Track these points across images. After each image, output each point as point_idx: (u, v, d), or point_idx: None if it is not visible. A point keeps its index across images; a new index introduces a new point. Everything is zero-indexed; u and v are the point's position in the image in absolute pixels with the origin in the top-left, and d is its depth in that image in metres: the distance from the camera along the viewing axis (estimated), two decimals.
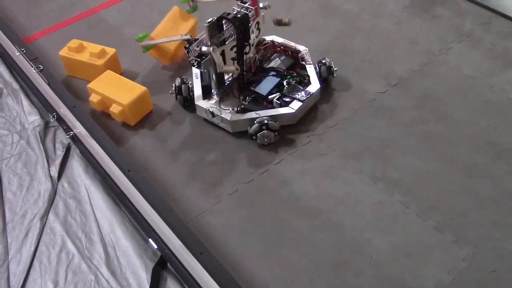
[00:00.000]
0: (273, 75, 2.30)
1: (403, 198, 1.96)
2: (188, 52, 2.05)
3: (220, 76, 2.18)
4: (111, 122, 2.32)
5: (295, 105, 2.16)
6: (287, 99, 2.20)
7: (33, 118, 2.34)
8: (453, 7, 2.82)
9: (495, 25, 2.70)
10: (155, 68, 2.58)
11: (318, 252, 1.81)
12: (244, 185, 2.04)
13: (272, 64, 2.36)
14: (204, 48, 2.00)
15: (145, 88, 2.30)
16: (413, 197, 1.96)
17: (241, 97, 2.24)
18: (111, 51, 2.49)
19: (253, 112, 2.15)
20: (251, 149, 2.17)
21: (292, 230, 1.88)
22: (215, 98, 2.25)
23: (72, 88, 2.48)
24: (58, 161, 2.16)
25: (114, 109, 2.24)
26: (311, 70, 2.30)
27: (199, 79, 2.31)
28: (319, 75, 2.32)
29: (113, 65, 2.48)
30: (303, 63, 2.35)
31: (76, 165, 2.15)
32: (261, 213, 1.94)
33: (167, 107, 2.38)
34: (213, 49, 1.98)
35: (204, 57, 2.03)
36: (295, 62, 2.39)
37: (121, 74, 2.48)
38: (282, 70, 2.34)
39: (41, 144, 2.23)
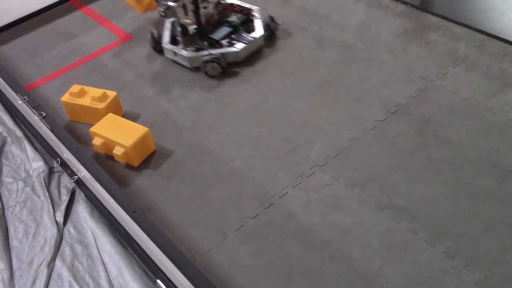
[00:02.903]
0: (227, 26, 2.87)
1: (411, 225, 1.95)
2: (157, 2, 2.58)
3: (183, 26, 2.72)
4: (115, 165, 2.33)
5: (239, 46, 2.75)
6: (234, 42, 2.77)
7: (37, 165, 2.36)
8: (446, 32, 2.86)
9: (489, 47, 2.73)
10: (156, 109, 2.61)
11: (329, 285, 1.79)
12: (250, 221, 2.04)
13: (229, 19, 2.91)
14: (170, 3, 2.55)
15: (147, 129, 2.32)
16: (420, 223, 1.95)
17: (202, 43, 2.78)
18: (112, 94, 2.52)
19: (205, 50, 2.72)
20: (253, 179, 2.17)
21: (301, 263, 1.86)
22: (181, 44, 2.79)
23: (75, 133, 2.50)
24: (63, 206, 2.16)
25: (117, 151, 2.26)
26: (257, 22, 2.89)
27: (169, 29, 2.88)
28: (266, 26, 2.88)
29: (115, 108, 2.51)
30: (253, 18, 2.91)
31: (81, 209, 2.15)
32: (269, 248, 1.93)
33: (170, 146, 2.40)
34: (177, 3, 2.54)
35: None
36: (248, 19, 2.94)
37: (122, 116, 2.50)
38: (235, 23, 2.87)
39: (46, 190, 2.23)
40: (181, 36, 2.76)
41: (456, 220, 1.94)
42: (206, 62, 2.69)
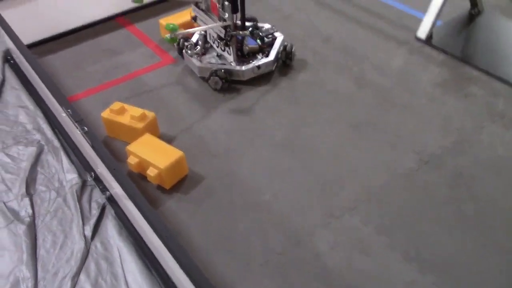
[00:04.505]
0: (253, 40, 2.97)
1: (437, 279, 1.92)
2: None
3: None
4: (146, 185, 2.36)
5: (244, 67, 2.87)
6: (246, 60, 2.95)
7: (71, 176, 2.40)
8: (485, 86, 2.86)
9: None
10: (192, 133, 2.65)
11: None
12: (275, 256, 2.04)
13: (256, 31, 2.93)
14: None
15: (182, 152, 2.36)
16: (447, 278, 1.92)
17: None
18: (150, 115, 2.57)
19: (210, 63, 2.93)
20: (281, 213, 2.18)
21: None
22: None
23: (110, 149, 2.55)
24: (92, 221, 2.19)
25: (151, 172, 2.29)
26: (274, 49, 3.00)
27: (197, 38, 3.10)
28: (279, 55, 3.01)
29: (152, 128, 2.56)
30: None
31: (110, 226, 2.18)
32: (292, 286, 1.92)
33: (202, 171, 2.43)
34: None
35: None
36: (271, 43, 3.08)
37: (159, 137, 2.55)
38: (258, 35, 2.89)
39: (77, 203, 2.27)
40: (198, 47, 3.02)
41: (484, 277, 1.91)
42: (210, 75, 2.85)
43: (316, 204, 2.24)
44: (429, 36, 3.20)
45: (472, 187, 2.28)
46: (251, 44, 2.95)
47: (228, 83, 2.87)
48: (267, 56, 2.98)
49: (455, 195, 2.25)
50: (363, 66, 3.05)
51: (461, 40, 3.22)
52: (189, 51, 2.99)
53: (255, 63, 2.91)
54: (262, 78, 2.97)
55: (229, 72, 2.87)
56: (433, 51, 3.13)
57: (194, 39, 3.10)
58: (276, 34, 3.10)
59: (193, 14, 2.99)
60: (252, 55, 2.98)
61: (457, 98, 2.79)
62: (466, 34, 3.28)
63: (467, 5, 3.41)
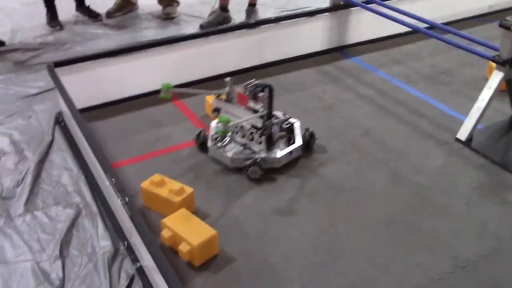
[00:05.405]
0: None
1: None
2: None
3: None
4: (176, 260, 2.37)
5: (279, 154, 2.96)
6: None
7: (104, 243, 2.44)
8: None
9: None
10: (226, 212, 2.67)
11: None
12: None
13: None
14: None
15: (215, 231, 2.38)
16: None
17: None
18: (188, 190, 2.62)
19: (246, 154, 2.95)
20: None
21: None
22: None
23: (145, 219, 2.58)
24: None
25: (183, 247, 2.31)
26: (298, 136, 3.10)
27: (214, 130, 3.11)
28: (303, 139, 3.09)
29: (189, 203, 2.60)
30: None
31: None
32: None
33: (232, 252, 2.42)
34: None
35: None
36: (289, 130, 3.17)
37: (193, 212, 2.58)
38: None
39: (107, 271, 2.29)
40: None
41: None
42: (250, 165, 2.86)
43: None
44: (469, 139, 3.22)
45: None
46: (272, 131, 3.01)
47: (265, 173, 2.90)
48: (288, 142, 3.08)
49: None
50: (400, 163, 3.07)
51: (501, 146, 3.23)
52: (218, 144, 3.01)
53: (288, 149, 2.98)
54: (292, 165, 3.02)
55: (263, 160, 2.91)
56: (473, 154, 3.14)
57: (212, 132, 3.12)
58: (291, 120, 3.19)
59: (213, 106, 3.09)
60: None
61: (495, 204, 2.76)
62: (507, 140, 3.29)
63: (508, 111, 3.45)
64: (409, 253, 2.44)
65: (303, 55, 4.29)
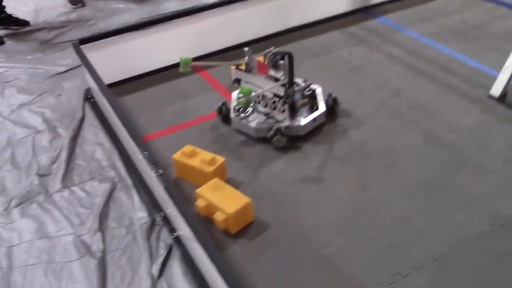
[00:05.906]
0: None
1: None
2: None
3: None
4: (212, 229, 2.40)
5: (303, 121, 2.91)
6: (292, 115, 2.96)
7: (141, 215, 2.49)
8: None
9: None
10: (259, 180, 2.68)
11: None
12: None
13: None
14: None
15: (249, 199, 2.39)
16: None
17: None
18: (220, 159, 2.63)
19: (270, 123, 2.92)
20: (347, 268, 2.14)
21: None
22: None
23: (179, 190, 2.62)
24: (159, 260, 2.25)
25: (219, 216, 2.33)
26: (321, 102, 3.05)
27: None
28: (326, 105, 3.04)
29: (221, 173, 2.62)
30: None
31: (175, 266, 2.22)
32: None
33: (267, 219, 2.44)
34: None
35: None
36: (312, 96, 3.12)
37: (226, 182, 2.60)
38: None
39: (146, 241, 2.34)
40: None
41: None
42: (274, 134, 2.83)
43: (382, 261, 2.19)
44: (503, 95, 3.14)
45: None
46: (295, 99, 2.96)
47: (290, 141, 2.88)
48: (310, 108, 3.02)
49: None
50: (433, 123, 3.01)
51: None
52: (241, 115, 2.95)
53: (311, 116, 2.93)
54: (317, 132, 2.99)
55: (287, 128, 2.88)
56: (507, 110, 3.06)
57: (234, 103, 3.07)
58: (313, 86, 3.12)
59: (234, 77, 3.02)
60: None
61: None
62: None
63: None
64: (444, 214, 2.42)
65: (328, 17, 4.21)
